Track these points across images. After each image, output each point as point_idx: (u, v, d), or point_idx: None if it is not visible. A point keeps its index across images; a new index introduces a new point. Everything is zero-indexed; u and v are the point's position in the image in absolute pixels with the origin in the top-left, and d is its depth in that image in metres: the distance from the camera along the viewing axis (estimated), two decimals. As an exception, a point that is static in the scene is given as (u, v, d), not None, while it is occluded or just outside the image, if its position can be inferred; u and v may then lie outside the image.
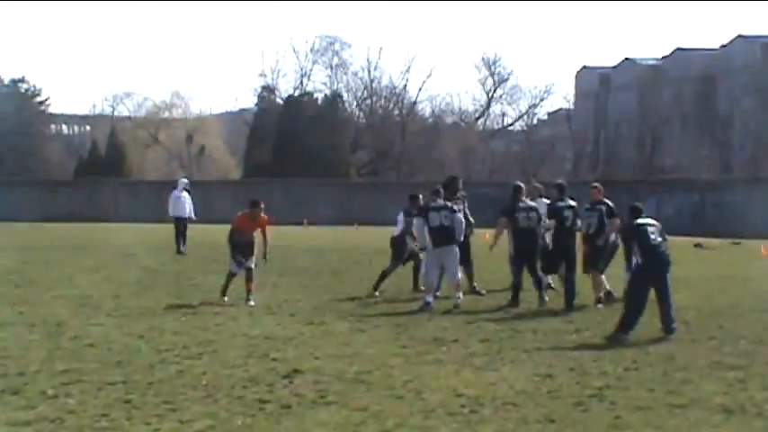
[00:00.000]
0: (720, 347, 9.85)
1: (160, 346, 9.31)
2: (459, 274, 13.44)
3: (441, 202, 13.24)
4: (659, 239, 10.68)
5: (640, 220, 10.87)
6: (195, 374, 8.00)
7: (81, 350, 9.07)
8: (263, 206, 13.41)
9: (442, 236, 12.98)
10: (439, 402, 7.18)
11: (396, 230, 14.66)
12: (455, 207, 13.34)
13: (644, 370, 8.60)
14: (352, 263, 20.86)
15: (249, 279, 13.14)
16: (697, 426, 6.65)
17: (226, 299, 13.04)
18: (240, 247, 13.26)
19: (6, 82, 72.20)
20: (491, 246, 13.73)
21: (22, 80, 72.91)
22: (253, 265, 13.24)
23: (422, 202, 14.02)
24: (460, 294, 13.04)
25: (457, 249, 13.16)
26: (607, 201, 13.47)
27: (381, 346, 9.69)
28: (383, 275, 14.41)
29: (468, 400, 7.24)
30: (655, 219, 11.20)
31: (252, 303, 12.79)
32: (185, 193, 23.31)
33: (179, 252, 22.22)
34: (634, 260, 10.63)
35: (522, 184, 13.95)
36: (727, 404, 7.24)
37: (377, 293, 14.02)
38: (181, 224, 22.88)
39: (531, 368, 8.55)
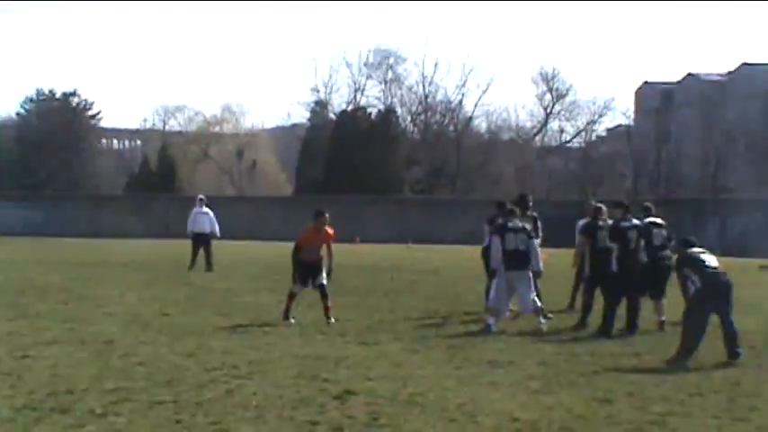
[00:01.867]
0: (789, 373, 9.44)
1: (209, 366, 9.21)
2: (536, 299, 12.78)
3: (519, 223, 12.78)
4: (715, 264, 10.35)
5: (695, 249, 10.59)
6: (245, 395, 7.89)
7: (130, 368, 9.01)
8: (327, 216, 13.02)
9: (516, 260, 12.55)
10: (493, 426, 6.97)
11: (485, 241, 14.04)
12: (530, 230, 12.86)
13: (708, 396, 8.26)
14: (405, 282, 20.63)
15: (325, 296, 12.79)
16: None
17: (293, 320, 12.65)
18: (306, 264, 12.87)
19: (58, 95, 72.46)
20: (574, 265, 13.78)
21: (74, 94, 72.54)
22: (324, 282, 12.88)
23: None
24: (542, 319, 12.57)
25: (530, 275, 12.75)
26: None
27: (435, 367, 9.50)
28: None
29: (524, 425, 7.02)
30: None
31: (332, 321, 12.58)
32: (206, 209, 23.36)
33: (190, 269, 22.06)
34: (692, 286, 10.26)
35: (602, 205, 13.46)
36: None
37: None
38: (201, 241, 22.90)
39: (590, 392, 8.28)
